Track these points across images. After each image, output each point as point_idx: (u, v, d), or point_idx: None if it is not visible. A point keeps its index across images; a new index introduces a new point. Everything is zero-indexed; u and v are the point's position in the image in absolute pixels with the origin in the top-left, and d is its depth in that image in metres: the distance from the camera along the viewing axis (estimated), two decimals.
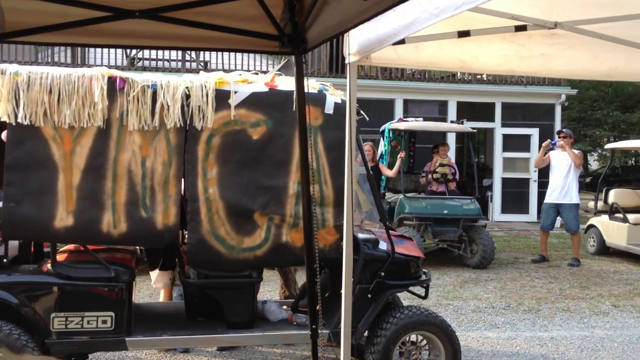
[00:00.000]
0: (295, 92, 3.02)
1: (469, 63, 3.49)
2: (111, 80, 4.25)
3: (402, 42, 3.21)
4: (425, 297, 5.21)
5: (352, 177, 3.12)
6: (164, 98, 4.33)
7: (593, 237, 11.44)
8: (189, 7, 2.59)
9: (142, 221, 4.29)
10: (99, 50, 15.72)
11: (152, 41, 2.93)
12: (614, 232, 10.86)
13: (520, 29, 3.33)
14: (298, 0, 2.66)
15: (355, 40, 2.95)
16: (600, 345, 6.12)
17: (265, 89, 4.61)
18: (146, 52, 16.62)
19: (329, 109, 4.67)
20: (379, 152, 11.18)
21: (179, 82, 4.44)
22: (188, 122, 4.39)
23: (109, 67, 4.68)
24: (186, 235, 4.56)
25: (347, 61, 3.05)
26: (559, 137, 10.50)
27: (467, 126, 11.89)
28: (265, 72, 5.07)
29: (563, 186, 10.25)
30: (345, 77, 3.17)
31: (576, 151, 10.48)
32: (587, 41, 3.49)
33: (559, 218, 11.08)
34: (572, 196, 10.27)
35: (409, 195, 10.34)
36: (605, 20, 3.39)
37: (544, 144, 10.64)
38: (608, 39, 3.50)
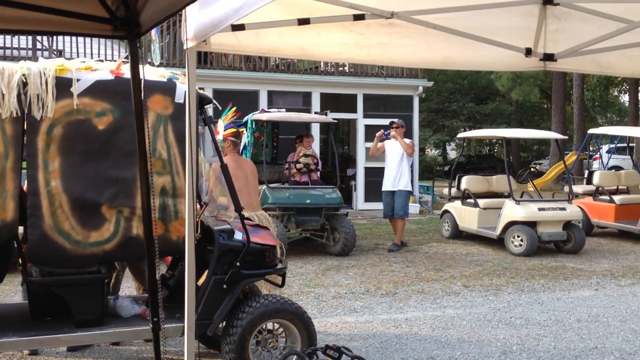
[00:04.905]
0: (131, 81, 2.91)
1: (309, 50, 3.54)
2: None
3: (242, 28, 3.20)
4: (282, 285, 5.25)
5: (194, 167, 3.07)
6: None
7: (447, 222, 12.05)
8: None
9: None
10: None
11: None
12: (466, 216, 11.50)
13: (358, 17, 3.41)
14: None
15: (192, 26, 2.91)
16: (450, 323, 6.47)
17: (110, 76, 4.46)
18: None
19: (180, 97, 4.58)
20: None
21: (14, 69, 4.19)
22: (26, 112, 4.16)
23: None
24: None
25: (184, 47, 3.00)
26: (392, 128, 10.87)
27: (330, 117, 12.12)
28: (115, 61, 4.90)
29: (396, 174, 10.66)
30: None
31: (407, 140, 10.91)
32: (422, 31, 3.64)
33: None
34: (404, 183, 10.68)
35: (272, 185, 10.39)
36: (438, 11, 3.56)
37: (377, 134, 11.01)
38: (441, 29, 3.66)
